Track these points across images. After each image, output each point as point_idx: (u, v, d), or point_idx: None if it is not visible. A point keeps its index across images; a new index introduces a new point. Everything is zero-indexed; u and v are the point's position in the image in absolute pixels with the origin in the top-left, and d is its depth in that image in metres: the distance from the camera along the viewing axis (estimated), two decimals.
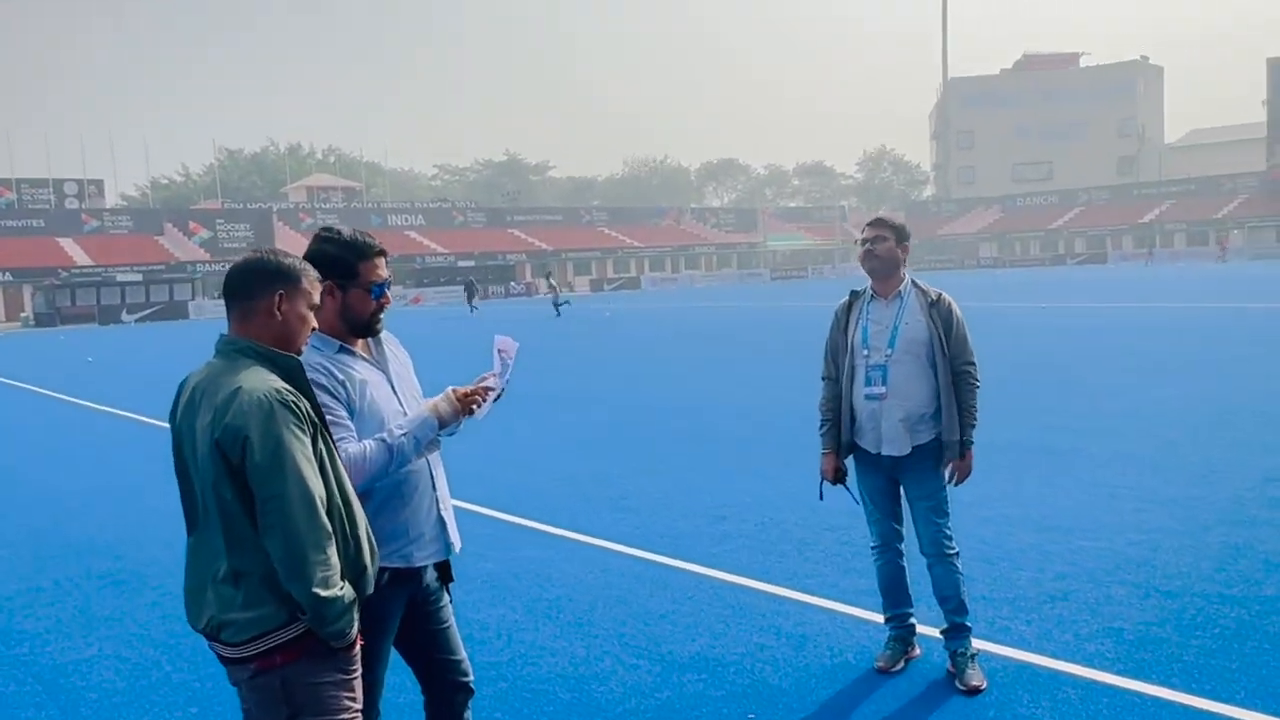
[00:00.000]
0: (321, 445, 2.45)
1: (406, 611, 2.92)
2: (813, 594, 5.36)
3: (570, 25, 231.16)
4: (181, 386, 2.51)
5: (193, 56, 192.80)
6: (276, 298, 2.50)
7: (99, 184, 72.07)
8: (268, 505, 2.31)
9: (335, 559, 2.38)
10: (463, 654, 3.08)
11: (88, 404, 16.15)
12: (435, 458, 2.99)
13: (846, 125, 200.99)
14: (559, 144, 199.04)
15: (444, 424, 2.85)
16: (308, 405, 2.43)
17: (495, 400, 2.98)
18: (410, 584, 2.89)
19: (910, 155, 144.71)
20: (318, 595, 2.32)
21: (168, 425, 2.57)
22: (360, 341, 2.93)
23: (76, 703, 4.49)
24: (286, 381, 2.44)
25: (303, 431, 2.37)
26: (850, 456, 4.45)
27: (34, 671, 4.88)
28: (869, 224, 4.41)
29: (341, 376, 2.77)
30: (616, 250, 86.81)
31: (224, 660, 2.43)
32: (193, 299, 58.96)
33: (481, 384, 2.96)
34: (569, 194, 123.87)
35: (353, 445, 2.69)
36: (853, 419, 4.36)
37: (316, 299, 2.60)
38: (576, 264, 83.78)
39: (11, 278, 59.83)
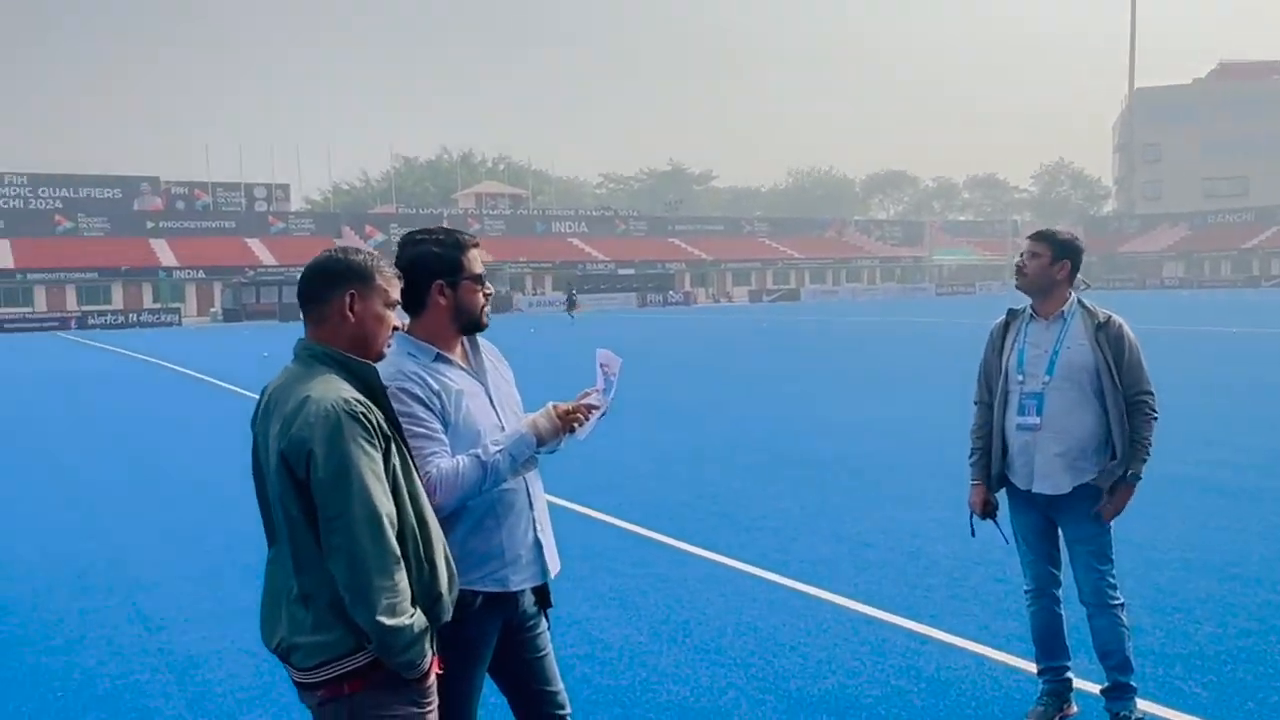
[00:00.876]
0: (396, 461, 2.30)
1: (501, 638, 2.75)
2: (960, 635, 4.96)
3: (738, 36, 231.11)
4: (262, 393, 2.41)
5: (375, 69, 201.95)
6: (348, 298, 2.36)
7: (285, 188, 76.15)
8: (331, 525, 2.16)
9: (404, 584, 2.22)
10: (559, 685, 2.89)
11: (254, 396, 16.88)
12: (533, 476, 2.81)
13: (1022, 137, 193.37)
14: (724, 154, 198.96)
15: (542, 442, 2.67)
16: (380, 417, 2.28)
17: (599, 418, 2.78)
18: (506, 609, 2.72)
19: (1090, 169, 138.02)
20: (382, 624, 2.16)
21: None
22: (459, 350, 2.79)
23: (203, 695, 4.54)
24: (362, 390, 2.30)
25: (373, 446, 2.22)
26: (1002, 490, 4.08)
27: (168, 660, 4.97)
28: (1029, 236, 4.03)
29: (437, 386, 2.62)
30: (776, 261, 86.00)
31: (295, 684, 2.31)
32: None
33: (584, 401, 2.77)
34: (731, 204, 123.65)
35: (445, 461, 2.54)
36: (1004, 450, 3.98)
37: (395, 296, 2.45)
38: (736, 274, 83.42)
39: (204, 275, 63.73)
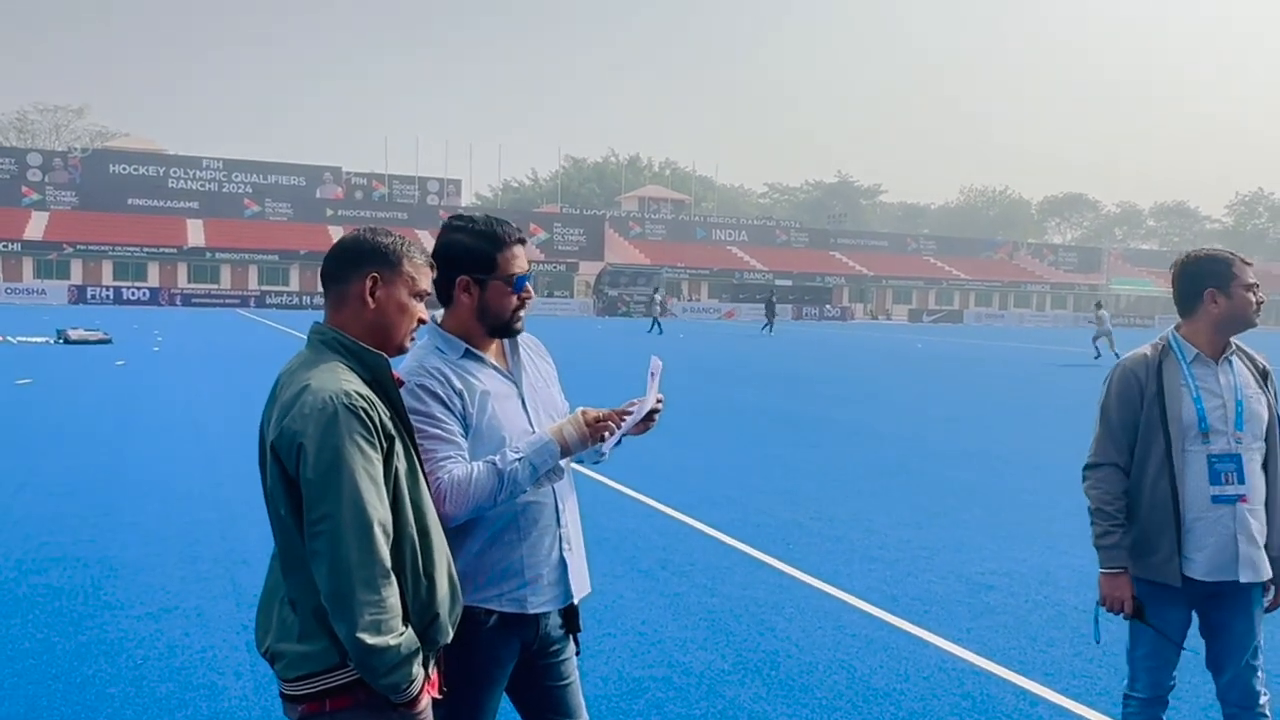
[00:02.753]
0: (400, 464, 2.10)
1: (521, 661, 2.52)
2: (1075, 699, 4.48)
3: (914, 50, 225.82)
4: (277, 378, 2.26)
5: (549, 72, 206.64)
6: (369, 281, 2.17)
7: (457, 184, 78.60)
8: (316, 528, 1.97)
9: (393, 600, 2.01)
10: (582, 716, 2.63)
11: None
12: (565, 489, 2.55)
13: (1217, 164, 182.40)
14: (893, 168, 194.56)
15: (567, 451, 2.41)
16: (383, 414, 2.08)
17: (638, 430, 2.51)
18: (524, 631, 2.48)
19: None
20: (363, 641, 1.95)
21: None
22: (493, 346, 2.55)
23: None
24: (371, 384, 2.11)
25: (371, 445, 2.02)
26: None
27: (249, 638, 4.94)
28: (1248, 262, 3.29)
29: (460, 385, 2.40)
30: (941, 281, 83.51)
31: (280, 694, 2.14)
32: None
33: (625, 410, 2.51)
34: (898, 220, 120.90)
35: (458, 467, 2.32)
36: (1176, 530, 3.16)
37: (423, 285, 2.25)
38: (897, 291, 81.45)
39: None
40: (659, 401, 2.53)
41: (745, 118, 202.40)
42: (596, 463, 2.65)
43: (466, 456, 2.36)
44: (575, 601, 2.57)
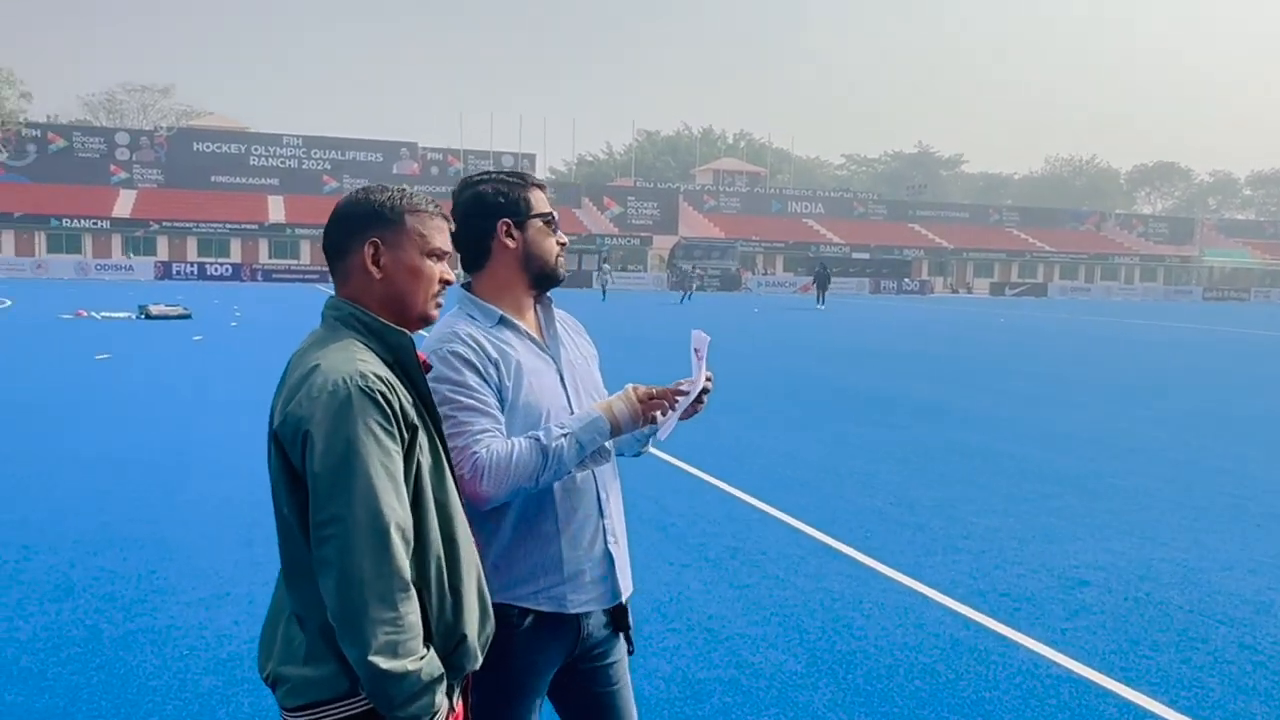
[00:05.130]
0: (424, 458, 1.81)
1: (563, 666, 2.24)
2: (1185, 712, 4.06)
3: (996, 15, 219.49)
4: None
5: (624, 44, 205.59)
6: (369, 249, 1.88)
7: (531, 158, 78.51)
8: (323, 531, 1.68)
9: (413, 617, 1.71)
10: None
11: None
12: (609, 475, 2.26)
13: None
14: (975, 137, 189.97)
15: (618, 429, 2.13)
16: (405, 400, 1.79)
17: (683, 410, 2.22)
18: (563, 634, 2.20)
19: None
20: (376, 666, 1.67)
21: None
22: (530, 317, 2.28)
23: None
24: (392, 366, 1.82)
25: (389, 436, 1.73)
26: None
27: None
28: None
29: (495, 355, 2.13)
30: (1024, 254, 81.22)
31: None
32: (596, 270, 62.52)
33: (676, 388, 2.21)
34: (980, 191, 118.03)
35: (497, 442, 2.04)
36: None
37: (437, 243, 1.94)
38: (978, 264, 79.47)
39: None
40: (708, 380, 2.24)
41: (823, 88, 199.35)
42: (637, 454, 2.37)
43: (504, 431, 2.09)
44: (623, 600, 2.28)
